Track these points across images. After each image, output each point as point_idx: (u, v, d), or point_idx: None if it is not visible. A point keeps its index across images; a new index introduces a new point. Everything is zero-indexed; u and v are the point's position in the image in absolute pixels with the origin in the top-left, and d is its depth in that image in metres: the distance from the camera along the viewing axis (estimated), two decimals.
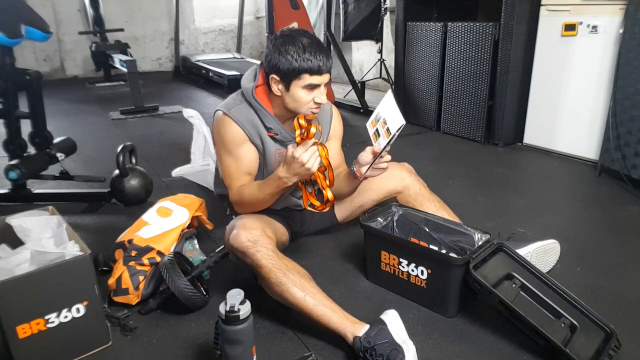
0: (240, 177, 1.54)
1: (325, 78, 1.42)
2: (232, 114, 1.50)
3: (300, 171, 1.32)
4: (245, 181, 1.56)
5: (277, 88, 1.45)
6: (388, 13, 4.82)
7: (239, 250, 1.39)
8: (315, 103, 1.45)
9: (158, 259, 1.51)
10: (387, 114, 1.39)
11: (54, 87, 5.36)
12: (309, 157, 1.29)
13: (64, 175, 2.29)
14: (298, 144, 1.33)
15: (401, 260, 1.51)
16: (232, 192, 1.55)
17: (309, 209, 1.48)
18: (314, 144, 1.32)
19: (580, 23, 2.67)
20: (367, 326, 1.27)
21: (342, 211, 1.82)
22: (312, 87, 1.41)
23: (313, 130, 1.31)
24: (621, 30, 2.42)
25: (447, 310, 1.46)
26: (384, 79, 4.98)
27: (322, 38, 4.71)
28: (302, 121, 1.33)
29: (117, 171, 2.23)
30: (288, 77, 1.40)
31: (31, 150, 2.19)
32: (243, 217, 1.51)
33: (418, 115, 3.73)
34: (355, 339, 1.24)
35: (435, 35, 3.37)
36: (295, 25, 3.88)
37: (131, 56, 5.10)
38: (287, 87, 1.42)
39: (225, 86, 5.06)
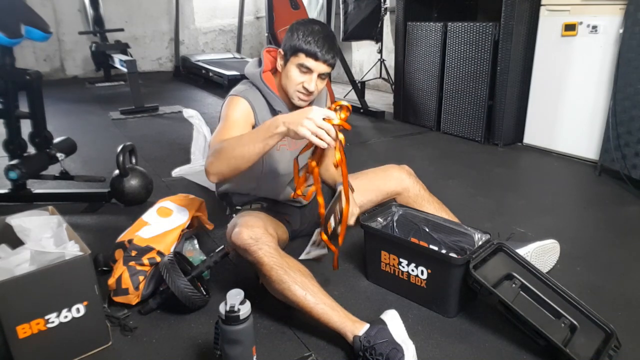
0: (231, 134, 1.43)
1: (320, 67, 1.44)
2: (244, 95, 1.54)
3: (300, 120, 1.15)
4: None
5: (280, 63, 1.52)
6: (388, 13, 4.83)
7: (240, 248, 1.39)
8: (304, 88, 1.47)
9: (158, 259, 1.51)
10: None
11: (54, 87, 5.35)
12: (321, 117, 1.14)
13: (64, 175, 2.29)
14: None
15: (401, 260, 1.51)
16: (213, 143, 1.42)
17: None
18: (337, 139, 1.16)
19: (580, 23, 2.67)
20: (367, 325, 1.27)
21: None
22: (305, 69, 1.45)
23: (341, 136, 1.17)
24: (621, 30, 2.42)
25: (447, 310, 1.46)
26: (384, 79, 4.98)
27: None
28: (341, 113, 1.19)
29: (117, 171, 2.23)
30: (288, 54, 1.47)
31: (31, 150, 2.19)
32: (245, 215, 1.51)
33: (418, 115, 3.73)
34: (355, 338, 1.24)
35: (435, 35, 3.37)
36: None
37: (131, 56, 5.10)
38: (286, 63, 1.49)
39: (225, 86, 5.06)
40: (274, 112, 1.54)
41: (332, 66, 1.47)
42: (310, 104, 1.55)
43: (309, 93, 1.48)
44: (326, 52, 1.42)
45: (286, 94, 1.53)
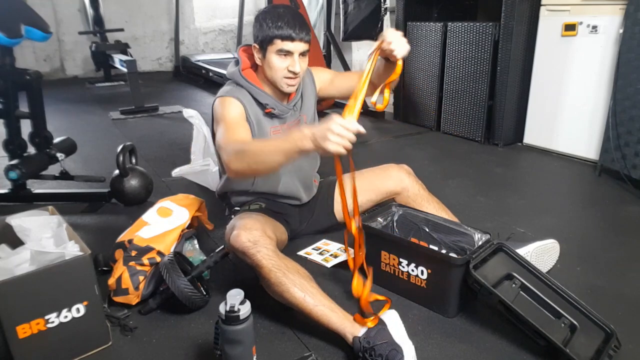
0: (239, 134, 1.47)
1: (298, 46, 1.48)
2: (232, 94, 1.56)
3: (325, 136, 1.10)
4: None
5: (258, 57, 1.54)
6: (388, 13, 4.82)
7: (239, 251, 1.39)
8: (290, 72, 1.50)
9: (158, 259, 1.51)
10: None
11: (54, 87, 5.35)
12: (342, 128, 1.09)
13: (64, 175, 2.29)
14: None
15: (401, 260, 1.51)
16: (231, 144, 1.40)
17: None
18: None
19: (580, 23, 2.67)
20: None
21: (341, 211, 1.82)
22: (284, 53, 1.48)
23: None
24: (621, 30, 2.42)
25: (447, 310, 1.46)
26: None
27: (322, 38, 4.71)
28: None
29: (117, 171, 2.23)
30: (264, 44, 1.49)
31: (31, 150, 2.19)
32: (243, 217, 1.51)
33: (418, 115, 3.73)
34: (355, 339, 1.24)
35: (435, 35, 3.37)
36: None
37: (131, 56, 5.09)
38: (264, 55, 1.51)
39: None
40: (261, 105, 1.58)
41: (309, 42, 1.50)
42: (298, 88, 1.61)
43: (296, 75, 1.51)
44: (300, 30, 1.46)
45: (272, 85, 1.57)
